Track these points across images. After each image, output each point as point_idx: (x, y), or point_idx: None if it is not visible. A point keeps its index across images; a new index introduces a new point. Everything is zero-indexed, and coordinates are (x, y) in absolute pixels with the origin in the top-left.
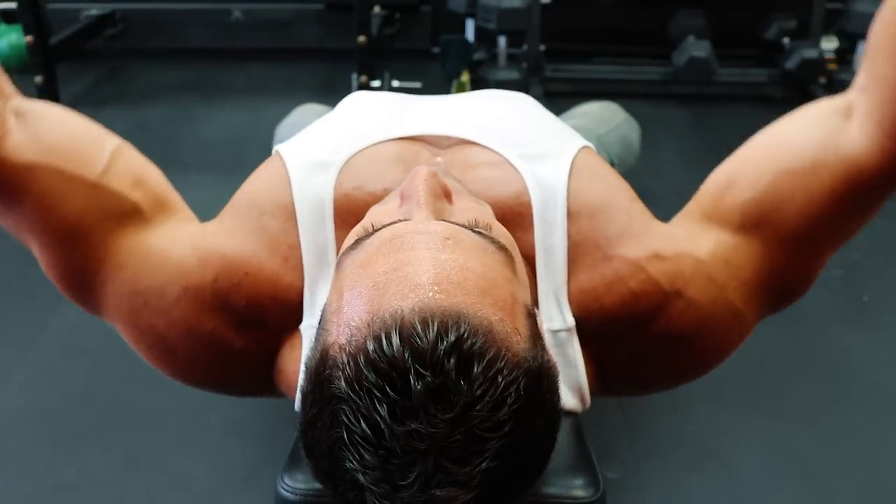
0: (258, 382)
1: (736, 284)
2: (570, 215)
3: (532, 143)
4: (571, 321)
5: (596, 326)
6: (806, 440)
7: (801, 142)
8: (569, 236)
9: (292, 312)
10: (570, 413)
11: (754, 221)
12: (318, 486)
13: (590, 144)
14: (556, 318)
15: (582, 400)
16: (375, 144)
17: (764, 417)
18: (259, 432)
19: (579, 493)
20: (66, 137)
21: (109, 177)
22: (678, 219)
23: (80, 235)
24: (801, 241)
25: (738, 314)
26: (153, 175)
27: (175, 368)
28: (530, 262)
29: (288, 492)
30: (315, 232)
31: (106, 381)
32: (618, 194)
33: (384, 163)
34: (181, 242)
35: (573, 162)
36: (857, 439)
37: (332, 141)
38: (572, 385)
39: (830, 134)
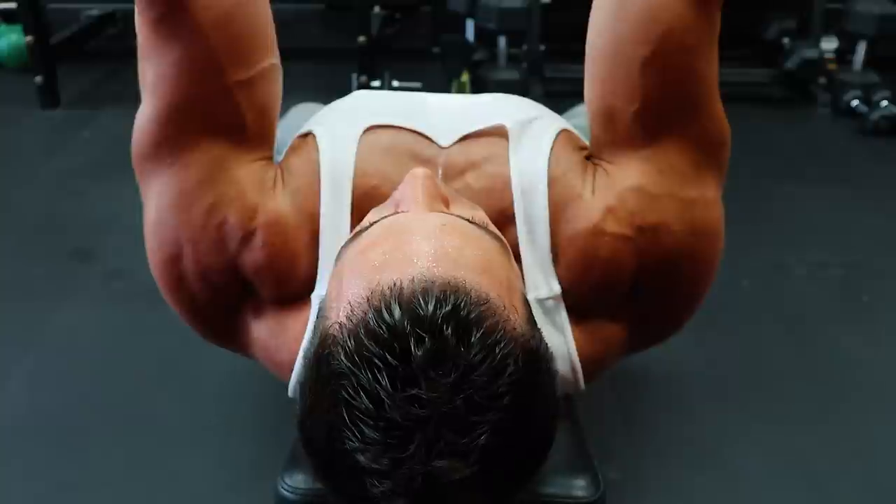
0: (224, 328)
1: (679, 180)
2: (550, 181)
3: (524, 111)
4: (558, 289)
5: (583, 299)
6: (806, 440)
7: (642, 25)
8: (550, 202)
9: (309, 280)
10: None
11: (654, 124)
12: (318, 485)
13: (569, 127)
14: (543, 286)
15: (573, 370)
16: (393, 127)
17: (763, 417)
18: (259, 431)
19: (579, 493)
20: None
21: (243, 89)
22: (600, 169)
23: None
24: (692, 101)
25: (699, 201)
26: (274, 106)
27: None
28: (513, 243)
29: (288, 492)
30: (335, 206)
31: (106, 381)
32: (574, 161)
33: (399, 154)
34: (252, 183)
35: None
36: (857, 439)
37: (353, 117)
38: (561, 354)
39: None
